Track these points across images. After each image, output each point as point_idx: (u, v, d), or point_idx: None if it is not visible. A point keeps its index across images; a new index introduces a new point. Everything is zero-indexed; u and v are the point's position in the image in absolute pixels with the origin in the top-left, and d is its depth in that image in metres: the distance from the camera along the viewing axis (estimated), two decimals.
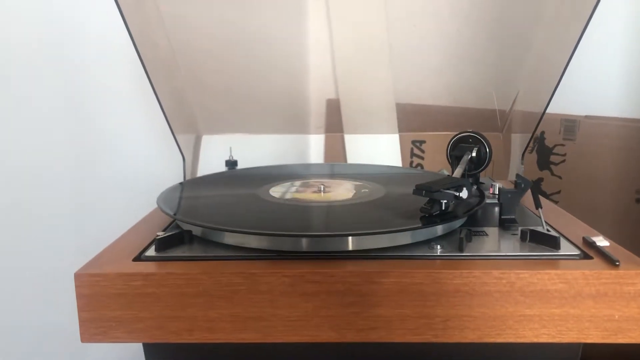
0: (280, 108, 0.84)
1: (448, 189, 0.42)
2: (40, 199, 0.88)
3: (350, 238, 0.41)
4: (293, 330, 0.39)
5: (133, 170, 0.90)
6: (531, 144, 1.16)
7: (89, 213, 0.91)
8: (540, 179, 1.16)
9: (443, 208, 0.42)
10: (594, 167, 1.11)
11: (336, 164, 0.86)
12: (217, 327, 0.38)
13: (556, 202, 1.14)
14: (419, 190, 0.42)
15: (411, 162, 1.07)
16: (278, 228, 0.43)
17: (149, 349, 0.41)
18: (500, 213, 0.47)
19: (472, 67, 0.96)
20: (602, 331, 0.38)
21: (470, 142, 0.58)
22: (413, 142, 1.11)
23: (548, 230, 0.44)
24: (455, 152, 0.58)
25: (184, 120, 0.71)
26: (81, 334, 0.39)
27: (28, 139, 0.86)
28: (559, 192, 1.15)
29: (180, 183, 0.61)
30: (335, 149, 0.98)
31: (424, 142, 1.11)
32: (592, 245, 0.42)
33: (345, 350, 0.42)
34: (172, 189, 0.57)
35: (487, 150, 0.57)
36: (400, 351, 0.42)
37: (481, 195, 0.49)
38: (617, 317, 0.38)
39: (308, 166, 0.73)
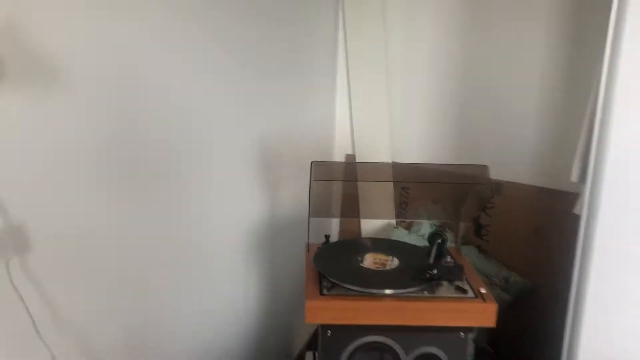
0: None
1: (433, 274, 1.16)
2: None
3: (388, 290, 1.15)
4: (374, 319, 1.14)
5: None
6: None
7: None
8: (478, 216, 1.94)
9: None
10: (511, 211, 1.90)
11: (381, 239, 1.60)
12: (351, 317, 1.14)
13: (488, 231, 1.92)
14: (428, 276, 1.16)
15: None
16: (366, 285, 1.17)
17: (324, 327, 1.16)
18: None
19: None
20: (474, 322, 1.14)
21: (438, 234, 1.33)
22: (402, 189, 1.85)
23: (467, 282, 1.20)
24: (431, 239, 1.32)
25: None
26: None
27: None
28: (490, 225, 1.94)
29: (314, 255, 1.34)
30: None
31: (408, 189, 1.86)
32: (479, 291, 1.17)
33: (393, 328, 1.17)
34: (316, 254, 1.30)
35: (444, 240, 1.31)
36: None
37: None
38: (474, 319, 1.14)
39: (371, 240, 1.45)
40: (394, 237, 1.87)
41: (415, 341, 1.16)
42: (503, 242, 1.95)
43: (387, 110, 2.06)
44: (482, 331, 1.84)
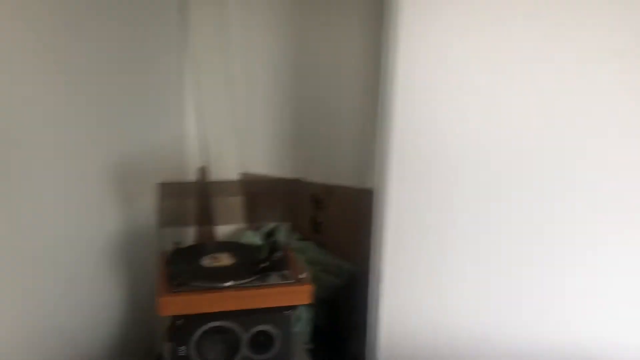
0: None
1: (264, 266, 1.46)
2: None
3: (227, 283, 1.43)
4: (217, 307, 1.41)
5: None
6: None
7: None
8: (315, 216, 2.28)
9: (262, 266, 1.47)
10: (341, 210, 2.27)
11: (222, 241, 1.87)
12: (198, 307, 1.40)
13: (324, 228, 2.27)
14: (259, 268, 1.45)
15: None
16: (208, 280, 1.44)
17: (175, 318, 1.40)
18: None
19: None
20: (296, 302, 1.46)
21: (270, 234, 1.63)
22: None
23: (291, 271, 1.51)
24: (265, 238, 1.62)
25: None
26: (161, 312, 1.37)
27: None
28: (324, 222, 2.29)
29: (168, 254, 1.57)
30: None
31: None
32: (298, 277, 1.49)
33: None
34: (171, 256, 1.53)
35: (275, 239, 1.62)
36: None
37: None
38: (295, 299, 1.46)
39: (214, 243, 1.72)
40: (244, 239, 2.16)
41: (251, 322, 1.45)
42: (337, 237, 2.33)
43: (233, 126, 2.34)
44: (322, 312, 2.19)
